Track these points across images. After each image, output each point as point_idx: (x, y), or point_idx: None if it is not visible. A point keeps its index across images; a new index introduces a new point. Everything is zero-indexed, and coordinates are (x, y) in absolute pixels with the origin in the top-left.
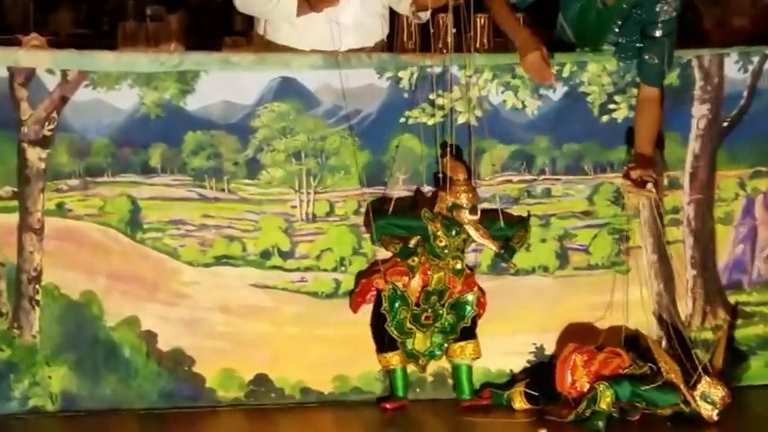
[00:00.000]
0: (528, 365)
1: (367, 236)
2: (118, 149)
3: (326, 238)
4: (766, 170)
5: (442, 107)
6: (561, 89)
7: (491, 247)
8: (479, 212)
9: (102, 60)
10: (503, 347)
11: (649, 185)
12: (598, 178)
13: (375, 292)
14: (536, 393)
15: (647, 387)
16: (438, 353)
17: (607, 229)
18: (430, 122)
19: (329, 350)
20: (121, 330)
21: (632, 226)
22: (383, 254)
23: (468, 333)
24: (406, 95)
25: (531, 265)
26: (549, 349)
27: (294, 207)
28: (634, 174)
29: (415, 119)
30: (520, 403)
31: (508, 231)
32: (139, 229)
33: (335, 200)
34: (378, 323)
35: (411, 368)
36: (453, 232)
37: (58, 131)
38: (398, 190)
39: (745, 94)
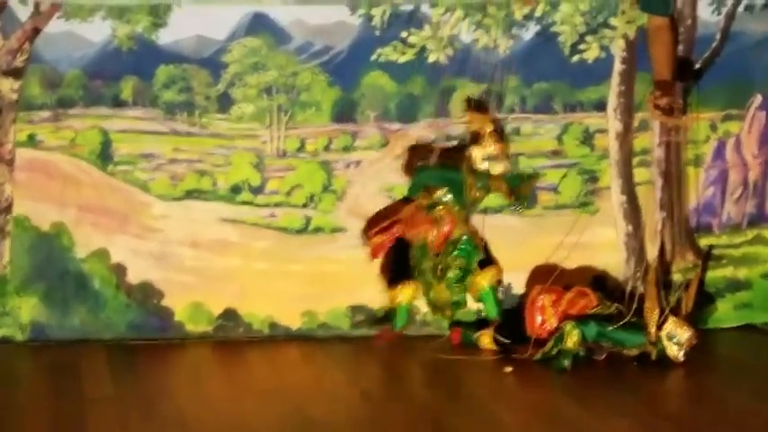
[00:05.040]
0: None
1: (337, 172)
2: (90, 82)
3: (297, 175)
4: (738, 113)
5: (413, 45)
6: (533, 28)
7: (507, 197)
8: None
9: None
10: None
11: (677, 113)
12: (567, 118)
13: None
14: (506, 340)
15: (613, 327)
16: (462, 303)
17: (576, 169)
18: (401, 60)
19: (298, 286)
20: (91, 262)
21: (601, 166)
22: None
23: (485, 261)
24: (377, 33)
25: (500, 204)
26: (517, 288)
27: (265, 142)
28: (662, 102)
29: (386, 56)
30: (488, 344)
31: (516, 180)
32: (110, 162)
33: (306, 136)
34: (394, 257)
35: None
36: (482, 184)
37: (31, 63)
38: (370, 127)
39: (717, 36)
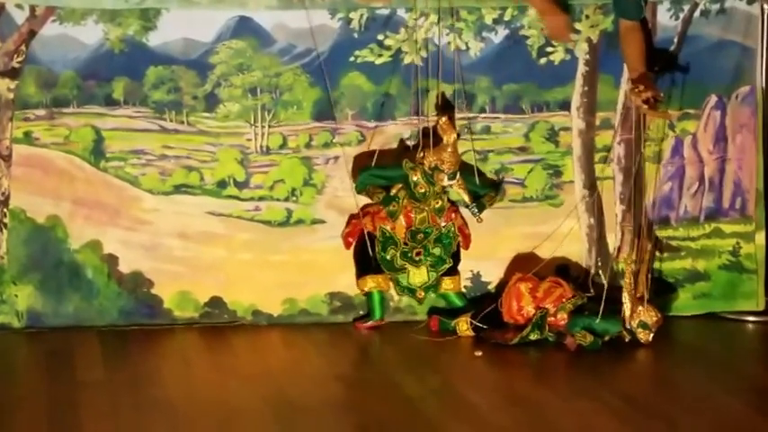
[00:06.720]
0: (464, 290)
1: (318, 168)
2: (83, 82)
3: (279, 170)
4: (694, 113)
5: (389, 47)
6: (502, 32)
7: (464, 199)
8: (457, 177)
9: None
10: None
11: (660, 105)
12: (534, 117)
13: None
14: (483, 326)
15: (599, 320)
16: (434, 286)
17: (541, 164)
18: (378, 62)
19: (279, 275)
20: (84, 253)
21: (565, 162)
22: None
23: (451, 269)
24: (356, 36)
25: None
26: (486, 276)
27: (249, 140)
28: (645, 95)
29: (363, 58)
30: (465, 331)
31: (481, 190)
32: (102, 158)
33: (288, 133)
34: (361, 251)
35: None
36: (426, 179)
37: (27, 64)
38: (347, 124)
39: (675, 40)
